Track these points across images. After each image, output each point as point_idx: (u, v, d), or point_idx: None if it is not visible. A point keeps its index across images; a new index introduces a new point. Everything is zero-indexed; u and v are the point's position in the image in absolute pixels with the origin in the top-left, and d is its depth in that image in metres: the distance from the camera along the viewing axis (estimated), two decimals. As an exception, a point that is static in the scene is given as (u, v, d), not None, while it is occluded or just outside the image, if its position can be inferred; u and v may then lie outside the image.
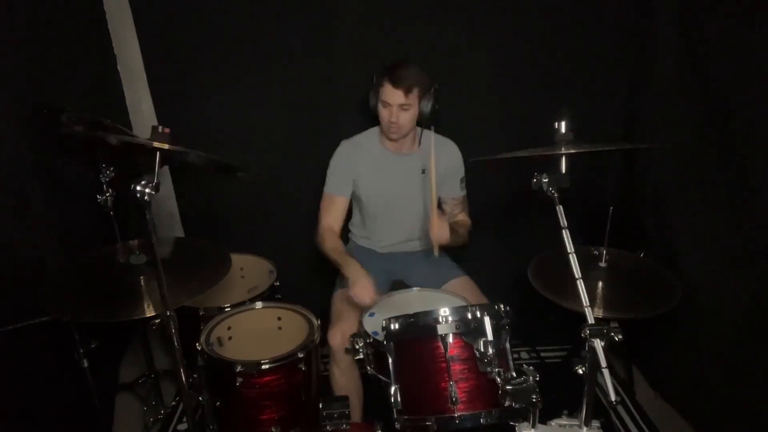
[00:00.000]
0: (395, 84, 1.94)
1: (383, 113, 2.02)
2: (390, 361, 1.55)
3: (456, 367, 1.47)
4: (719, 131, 1.92)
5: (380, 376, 1.66)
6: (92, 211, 1.91)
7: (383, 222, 2.26)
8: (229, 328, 1.91)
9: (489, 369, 1.42)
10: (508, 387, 1.36)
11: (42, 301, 1.52)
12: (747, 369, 1.82)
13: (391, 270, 2.25)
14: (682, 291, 1.79)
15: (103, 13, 2.31)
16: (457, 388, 1.45)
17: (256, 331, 1.92)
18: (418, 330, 1.52)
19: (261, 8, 2.30)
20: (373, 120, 2.14)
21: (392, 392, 1.53)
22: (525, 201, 2.49)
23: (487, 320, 1.48)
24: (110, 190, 1.90)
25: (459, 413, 1.45)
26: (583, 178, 1.92)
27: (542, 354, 2.70)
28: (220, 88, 2.39)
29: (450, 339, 1.48)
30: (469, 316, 1.50)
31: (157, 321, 1.45)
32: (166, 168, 2.47)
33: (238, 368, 1.65)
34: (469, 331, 1.48)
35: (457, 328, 1.48)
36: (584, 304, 1.36)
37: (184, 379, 1.49)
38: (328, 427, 1.53)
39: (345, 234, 2.47)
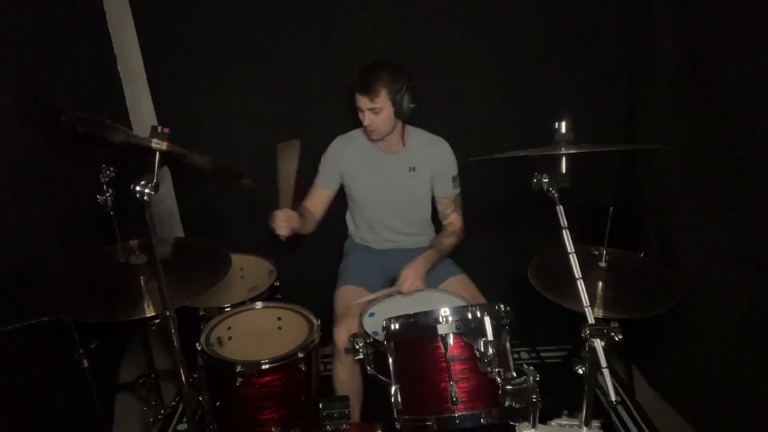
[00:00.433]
0: (360, 91, 2.00)
1: (360, 117, 2.07)
2: (390, 361, 1.55)
3: (456, 367, 1.47)
4: (719, 131, 1.92)
5: (380, 376, 1.66)
6: (92, 211, 1.91)
7: (375, 219, 2.29)
8: (229, 328, 1.91)
9: (489, 369, 1.42)
10: (508, 387, 1.36)
11: (42, 301, 1.51)
12: (747, 369, 1.82)
13: (388, 268, 2.25)
14: (682, 291, 1.79)
15: (103, 13, 2.31)
16: (457, 388, 1.45)
17: (256, 331, 1.92)
18: (419, 330, 1.53)
19: (261, 9, 2.30)
20: None
21: (392, 392, 1.53)
22: (525, 201, 2.50)
23: (487, 320, 1.48)
24: (110, 190, 1.90)
25: (459, 413, 1.45)
26: (583, 178, 1.92)
27: (542, 354, 2.70)
28: (220, 88, 2.39)
29: (450, 339, 1.48)
30: (470, 316, 1.50)
31: (157, 321, 1.45)
32: (166, 168, 2.46)
33: (238, 368, 1.65)
34: (469, 331, 1.48)
35: (457, 328, 1.48)
36: (584, 304, 1.36)
37: (184, 379, 1.49)
38: (328, 427, 1.53)
39: (344, 232, 2.47)
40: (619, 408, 2.33)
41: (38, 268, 1.81)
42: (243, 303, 2.01)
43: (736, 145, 1.85)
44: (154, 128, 1.37)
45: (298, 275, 2.55)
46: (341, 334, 1.92)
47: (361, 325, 1.83)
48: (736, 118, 1.85)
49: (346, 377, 1.97)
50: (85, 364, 1.84)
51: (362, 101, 2.01)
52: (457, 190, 2.26)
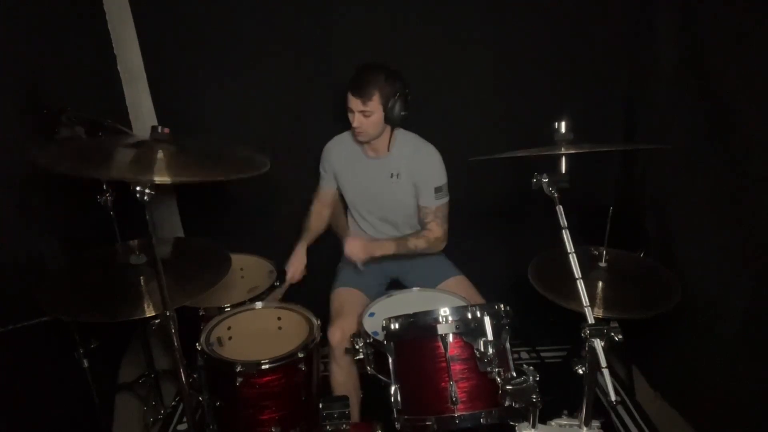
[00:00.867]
0: (353, 92, 1.98)
1: (350, 118, 2.05)
2: (390, 361, 1.55)
3: (456, 367, 1.47)
4: (719, 131, 1.92)
5: (380, 376, 1.66)
6: (92, 211, 1.91)
7: (365, 221, 2.30)
8: (229, 328, 1.91)
9: (489, 369, 1.42)
10: (508, 387, 1.36)
11: (42, 301, 1.52)
12: (747, 369, 1.82)
13: (387, 268, 2.26)
14: (682, 291, 1.79)
15: (103, 13, 2.31)
16: (457, 388, 1.45)
17: (256, 331, 1.92)
18: (418, 330, 1.53)
19: (261, 9, 2.30)
20: None
21: (392, 392, 1.53)
22: (525, 201, 2.50)
23: (487, 320, 1.48)
24: (110, 190, 1.90)
25: (459, 413, 1.45)
26: (583, 178, 1.91)
27: (542, 354, 2.70)
28: (220, 88, 2.39)
29: (450, 339, 1.48)
30: (469, 315, 1.50)
31: (157, 321, 1.45)
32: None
33: (238, 368, 1.65)
34: (469, 330, 1.48)
35: (457, 328, 1.48)
36: (584, 304, 1.36)
37: (184, 379, 1.49)
38: (328, 427, 1.53)
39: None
40: (619, 408, 2.33)
41: (38, 268, 1.81)
42: (243, 303, 2.01)
43: (736, 145, 1.85)
44: (154, 128, 1.37)
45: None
46: (335, 335, 1.93)
47: (361, 325, 1.83)
48: (736, 117, 1.85)
49: (343, 378, 1.97)
50: (85, 364, 1.85)
51: (354, 102, 1.99)
52: (441, 201, 2.14)
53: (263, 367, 1.67)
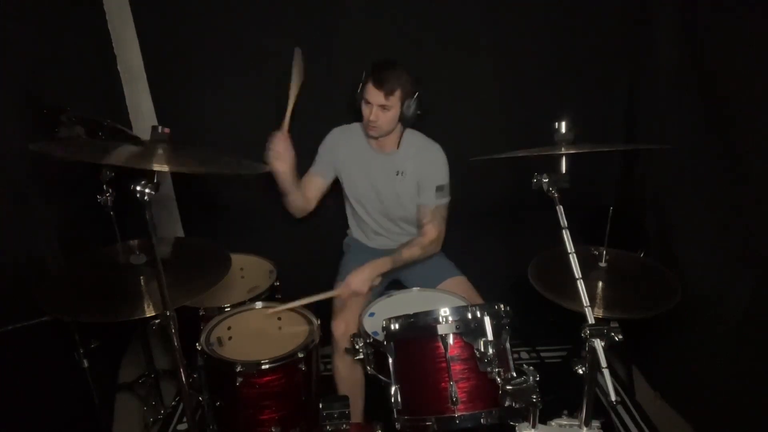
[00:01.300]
0: (377, 85, 1.96)
1: (364, 110, 2.04)
2: (390, 361, 1.55)
3: (456, 367, 1.47)
4: (719, 131, 1.92)
5: (380, 376, 1.66)
6: (92, 211, 1.91)
7: (365, 217, 2.29)
8: (229, 328, 1.91)
9: (489, 369, 1.42)
10: (508, 387, 1.36)
11: (42, 301, 1.51)
12: (747, 369, 1.82)
13: None
14: (682, 291, 1.79)
15: (103, 13, 2.31)
16: (457, 388, 1.45)
17: (256, 331, 1.92)
18: (418, 330, 1.53)
19: (261, 9, 2.29)
20: None
21: (392, 392, 1.53)
22: (525, 201, 2.50)
23: (487, 320, 1.48)
24: (110, 190, 1.90)
25: (459, 413, 1.45)
26: (583, 178, 1.91)
27: (542, 354, 2.70)
28: (220, 88, 2.39)
29: (450, 339, 1.48)
30: (470, 316, 1.50)
31: (157, 321, 1.45)
32: (165, 168, 2.47)
33: (238, 368, 1.65)
34: (469, 331, 1.48)
35: (457, 328, 1.48)
36: (584, 304, 1.36)
37: (184, 379, 1.49)
38: (328, 427, 1.53)
39: (343, 231, 2.48)
40: (619, 408, 2.33)
41: (38, 268, 1.81)
42: (243, 303, 2.01)
43: (737, 145, 1.85)
44: (154, 128, 1.37)
45: (298, 275, 2.54)
46: (339, 327, 1.94)
47: (361, 325, 1.83)
48: (736, 117, 1.85)
49: (347, 373, 1.97)
50: (85, 364, 1.85)
51: (375, 95, 1.97)
52: (441, 201, 2.15)
53: (263, 367, 1.67)
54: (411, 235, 2.30)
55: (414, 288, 2.08)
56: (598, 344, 1.29)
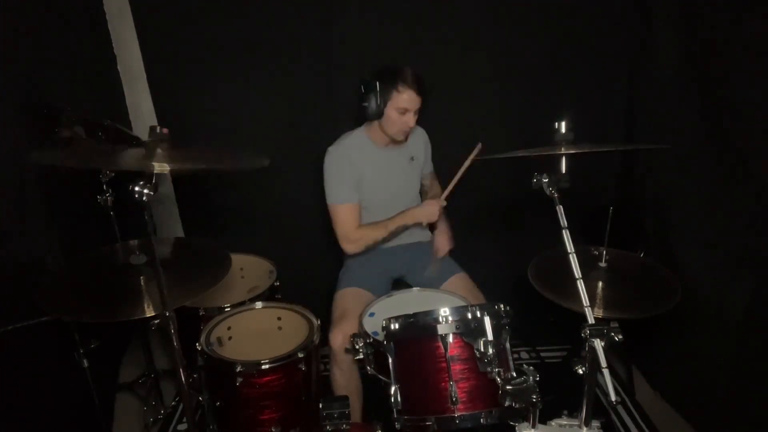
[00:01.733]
0: (418, 91, 1.98)
1: (398, 119, 2.02)
2: (390, 361, 1.55)
3: (456, 367, 1.47)
4: (719, 131, 1.92)
5: (380, 376, 1.66)
6: (92, 212, 1.91)
7: (383, 216, 2.25)
8: (229, 328, 1.91)
9: (489, 369, 1.42)
10: (508, 387, 1.36)
11: (42, 301, 1.51)
12: (747, 369, 1.82)
13: (392, 267, 2.25)
14: (682, 291, 1.79)
15: (103, 13, 2.31)
16: (457, 388, 1.45)
17: (256, 331, 1.92)
18: (418, 330, 1.53)
19: (261, 8, 2.30)
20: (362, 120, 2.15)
21: (392, 392, 1.53)
22: (525, 201, 2.50)
23: (487, 320, 1.48)
24: (110, 190, 1.90)
25: (459, 413, 1.45)
26: (583, 178, 1.92)
27: (542, 354, 2.70)
28: (220, 88, 2.39)
29: (450, 339, 1.48)
30: (469, 316, 1.50)
31: (157, 321, 1.45)
32: (166, 167, 2.47)
33: (238, 368, 1.65)
34: (469, 331, 1.48)
35: (457, 328, 1.48)
36: (584, 304, 1.36)
37: (184, 379, 1.49)
38: (328, 427, 1.53)
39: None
40: (619, 408, 2.33)
41: (38, 268, 1.81)
42: (243, 303, 2.01)
43: (737, 145, 1.85)
44: (153, 128, 1.37)
45: (298, 275, 2.55)
46: (337, 338, 1.91)
47: (361, 325, 1.83)
48: (736, 117, 1.85)
49: (344, 381, 1.96)
50: (85, 364, 1.85)
51: (415, 102, 1.99)
52: (432, 167, 2.43)
53: (263, 367, 1.67)
54: (411, 232, 2.30)
55: (414, 288, 2.08)
56: (598, 344, 1.29)
